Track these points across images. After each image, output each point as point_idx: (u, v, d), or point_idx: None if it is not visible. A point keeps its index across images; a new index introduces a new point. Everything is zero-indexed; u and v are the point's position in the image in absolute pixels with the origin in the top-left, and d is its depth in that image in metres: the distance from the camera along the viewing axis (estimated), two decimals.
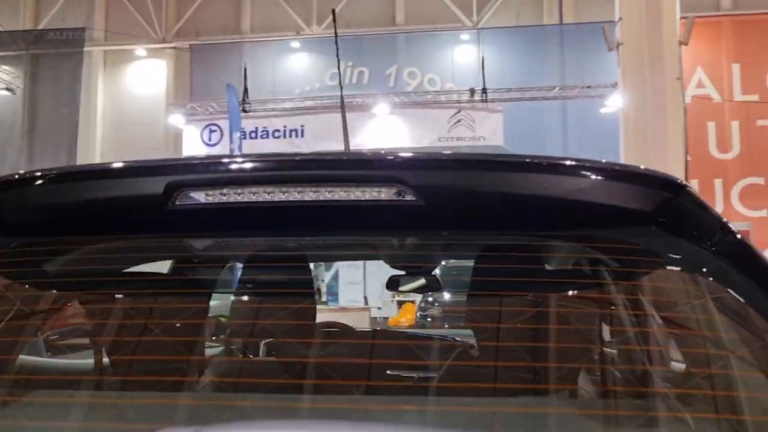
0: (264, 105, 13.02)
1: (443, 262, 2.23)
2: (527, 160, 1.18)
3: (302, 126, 12.67)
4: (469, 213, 1.13)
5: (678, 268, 1.11)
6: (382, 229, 1.18)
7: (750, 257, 1.04)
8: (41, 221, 1.19)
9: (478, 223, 1.15)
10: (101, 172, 1.23)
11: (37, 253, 1.20)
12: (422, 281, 2.33)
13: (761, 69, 11.24)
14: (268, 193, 1.08)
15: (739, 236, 1.09)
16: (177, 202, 1.08)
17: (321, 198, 1.08)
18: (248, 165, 1.18)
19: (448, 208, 1.11)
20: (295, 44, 15.31)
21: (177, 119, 13.64)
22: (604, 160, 1.20)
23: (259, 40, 15.09)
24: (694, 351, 1.07)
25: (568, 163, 1.17)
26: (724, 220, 1.13)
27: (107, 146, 15.79)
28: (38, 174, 1.20)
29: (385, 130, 12.28)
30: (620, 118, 10.90)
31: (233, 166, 1.18)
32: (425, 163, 1.17)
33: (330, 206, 1.09)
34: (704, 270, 1.06)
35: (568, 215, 1.13)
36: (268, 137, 12.56)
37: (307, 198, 1.08)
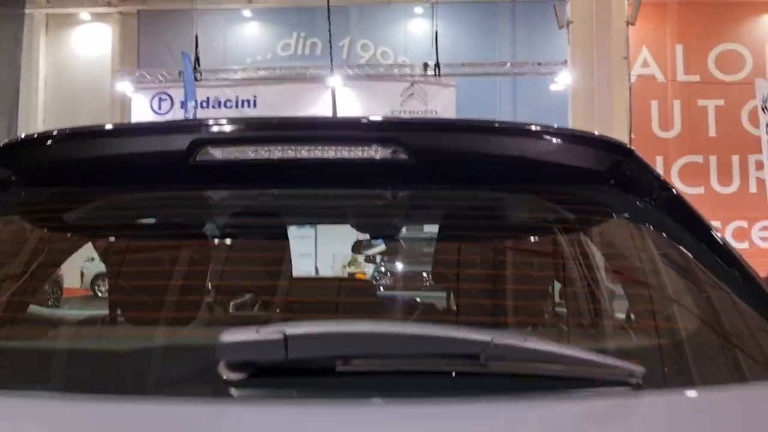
0: (215, 75, 12.88)
1: (404, 230, 2.39)
2: (508, 125, 1.32)
3: (254, 96, 12.58)
4: (454, 170, 1.29)
5: (626, 219, 1.31)
6: (377, 184, 1.31)
7: (684, 209, 1.27)
8: (71, 174, 1.28)
9: (460, 178, 1.31)
10: (132, 131, 1.37)
11: (66, 202, 1.30)
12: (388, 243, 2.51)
13: (703, 51, 11.65)
14: (281, 151, 1.19)
15: (675, 192, 1.31)
16: (198, 158, 1.19)
17: (327, 156, 1.20)
18: (262, 125, 1.34)
19: (435, 165, 1.25)
20: (247, 13, 15.12)
21: (125, 86, 13.35)
22: (570, 127, 1.37)
23: (209, 8, 14.84)
24: (636, 280, 1.31)
25: (540, 128, 1.33)
26: (663, 178, 1.34)
27: (50, 112, 15.34)
28: (72, 131, 1.31)
29: (339, 102, 12.31)
30: (569, 94, 11.23)
31: (249, 126, 1.33)
32: (417, 126, 1.30)
33: (334, 164, 1.21)
34: (647, 220, 1.27)
35: (541, 173, 1.30)
36: (220, 107, 12.44)
37: (314, 156, 1.20)
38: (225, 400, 0.85)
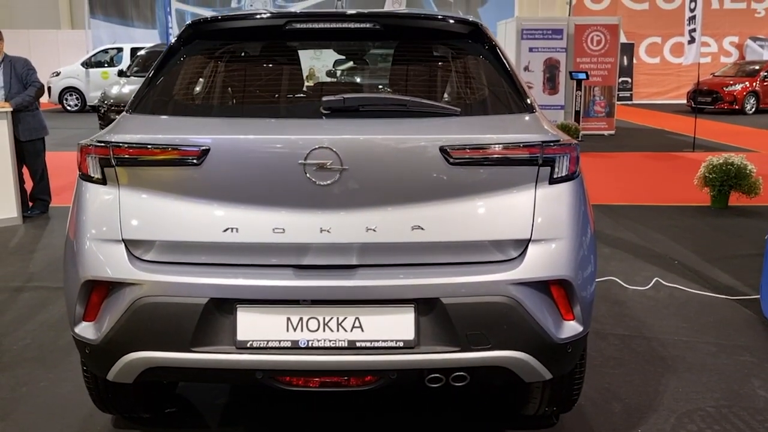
0: None
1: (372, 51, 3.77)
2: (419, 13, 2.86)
3: None
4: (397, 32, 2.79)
5: (471, 55, 2.74)
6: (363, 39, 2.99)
7: (498, 52, 2.66)
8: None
9: (400, 36, 2.83)
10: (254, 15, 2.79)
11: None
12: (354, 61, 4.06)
13: None
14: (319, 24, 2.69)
15: (495, 44, 2.68)
16: (287, 27, 2.64)
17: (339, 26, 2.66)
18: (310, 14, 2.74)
19: (388, 29, 2.69)
20: None
21: None
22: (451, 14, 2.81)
23: None
24: (468, 81, 2.80)
25: (430, 14, 2.92)
26: (491, 37, 2.70)
27: None
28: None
29: None
30: None
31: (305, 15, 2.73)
32: (383, 14, 2.74)
33: (343, 30, 2.69)
34: (482, 55, 2.69)
35: (424, 32, 2.79)
36: None
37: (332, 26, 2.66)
38: (321, 119, 2.40)
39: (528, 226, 2.34)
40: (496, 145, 2.32)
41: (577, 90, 13.54)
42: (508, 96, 2.58)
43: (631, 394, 3.27)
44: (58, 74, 20.15)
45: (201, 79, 2.79)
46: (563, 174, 2.40)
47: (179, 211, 2.32)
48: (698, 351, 3.76)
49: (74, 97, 20.03)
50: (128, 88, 13.41)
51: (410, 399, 3.20)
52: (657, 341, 3.89)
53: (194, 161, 2.28)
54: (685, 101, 21.38)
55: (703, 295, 4.69)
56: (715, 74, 21.22)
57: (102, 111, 12.95)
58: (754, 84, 19.81)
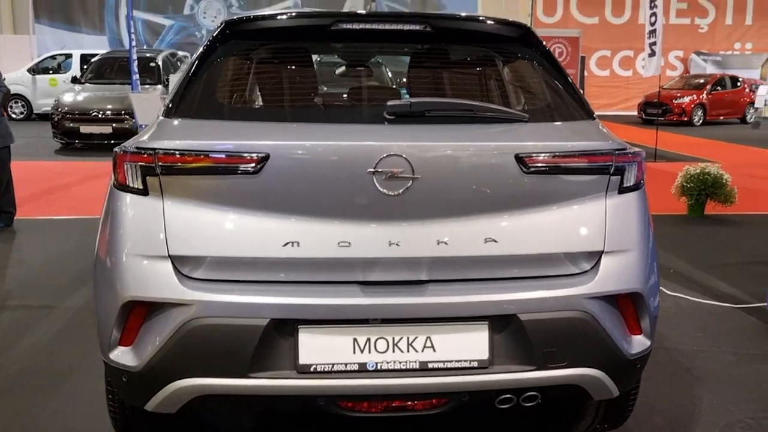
0: None
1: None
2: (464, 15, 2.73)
3: None
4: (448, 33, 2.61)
5: (523, 59, 2.67)
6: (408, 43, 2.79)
7: (551, 57, 2.58)
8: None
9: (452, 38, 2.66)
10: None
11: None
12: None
13: None
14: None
15: (546, 49, 2.60)
16: (332, 27, 2.46)
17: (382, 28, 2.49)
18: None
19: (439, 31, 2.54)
20: None
21: None
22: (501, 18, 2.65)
23: None
24: (524, 86, 2.75)
25: (483, 17, 2.66)
26: (541, 41, 2.59)
27: None
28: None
29: None
30: None
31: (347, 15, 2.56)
32: (435, 15, 2.63)
33: (386, 32, 2.51)
34: (533, 59, 2.59)
35: (475, 36, 2.66)
36: None
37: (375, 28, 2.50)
38: (384, 124, 2.23)
39: (601, 237, 2.24)
40: (572, 153, 2.22)
41: None
42: (569, 101, 2.48)
43: (669, 407, 3.21)
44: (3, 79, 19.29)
45: (243, 82, 2.60)
46: (632, 183, 2.32)
47: (233, 224, 2.12)
48: (721, 361, 3.74)
49: (20, 104, 19.18)
50: (83, 95, 12.91)
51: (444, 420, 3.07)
52: (677, 351, 3.86)
53: (251, 169, 2.10)
54: (634, 113, 21.95)
55: (708, 303, 4.70)
56: (664, 87, 21.85)
57: (56, 119, 12.42)
58: (701, 97, 20.54)
